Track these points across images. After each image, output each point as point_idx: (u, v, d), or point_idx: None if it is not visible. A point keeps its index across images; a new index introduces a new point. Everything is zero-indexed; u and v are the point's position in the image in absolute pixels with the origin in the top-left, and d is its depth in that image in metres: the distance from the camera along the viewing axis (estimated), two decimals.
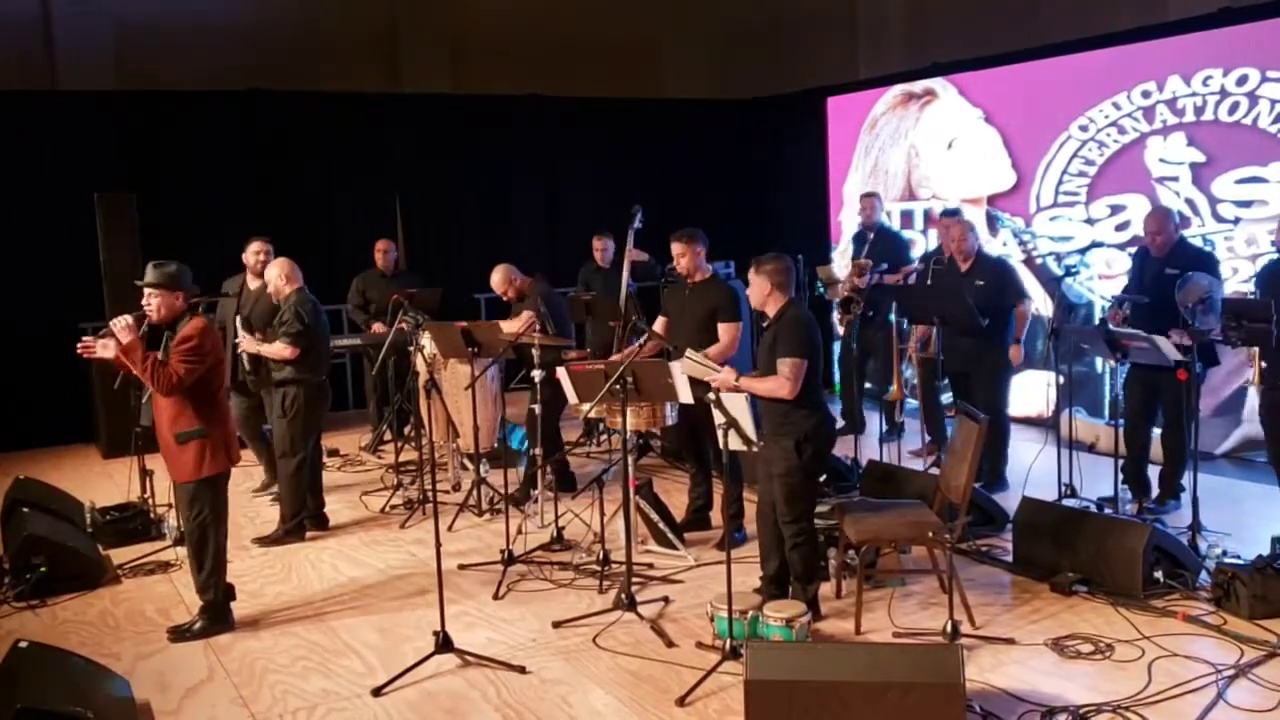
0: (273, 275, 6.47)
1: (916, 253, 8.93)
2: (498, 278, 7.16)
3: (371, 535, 6.65)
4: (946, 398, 8.17)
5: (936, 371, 7.15)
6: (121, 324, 4.84)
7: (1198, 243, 7.68)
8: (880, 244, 8.38)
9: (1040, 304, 8.43)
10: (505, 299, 7.21)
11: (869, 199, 8.68)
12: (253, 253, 7.17)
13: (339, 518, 6.93)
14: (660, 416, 5.87)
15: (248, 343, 6.50)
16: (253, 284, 7.14)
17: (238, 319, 6.73)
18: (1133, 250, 7.16)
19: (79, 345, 4.99)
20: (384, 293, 8.65)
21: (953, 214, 8.02)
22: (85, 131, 9.59)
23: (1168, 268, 6.15)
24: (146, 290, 4.98)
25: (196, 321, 4.96)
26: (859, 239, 8.60)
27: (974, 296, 6.80)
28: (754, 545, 5.36)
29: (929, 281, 7.51)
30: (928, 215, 9.75)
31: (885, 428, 7.79)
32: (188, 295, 5.05)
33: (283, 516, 6.53)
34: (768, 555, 5.11)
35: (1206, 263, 6.34)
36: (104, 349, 4.84)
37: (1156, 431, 6.53)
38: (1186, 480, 6.41)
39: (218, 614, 5.15)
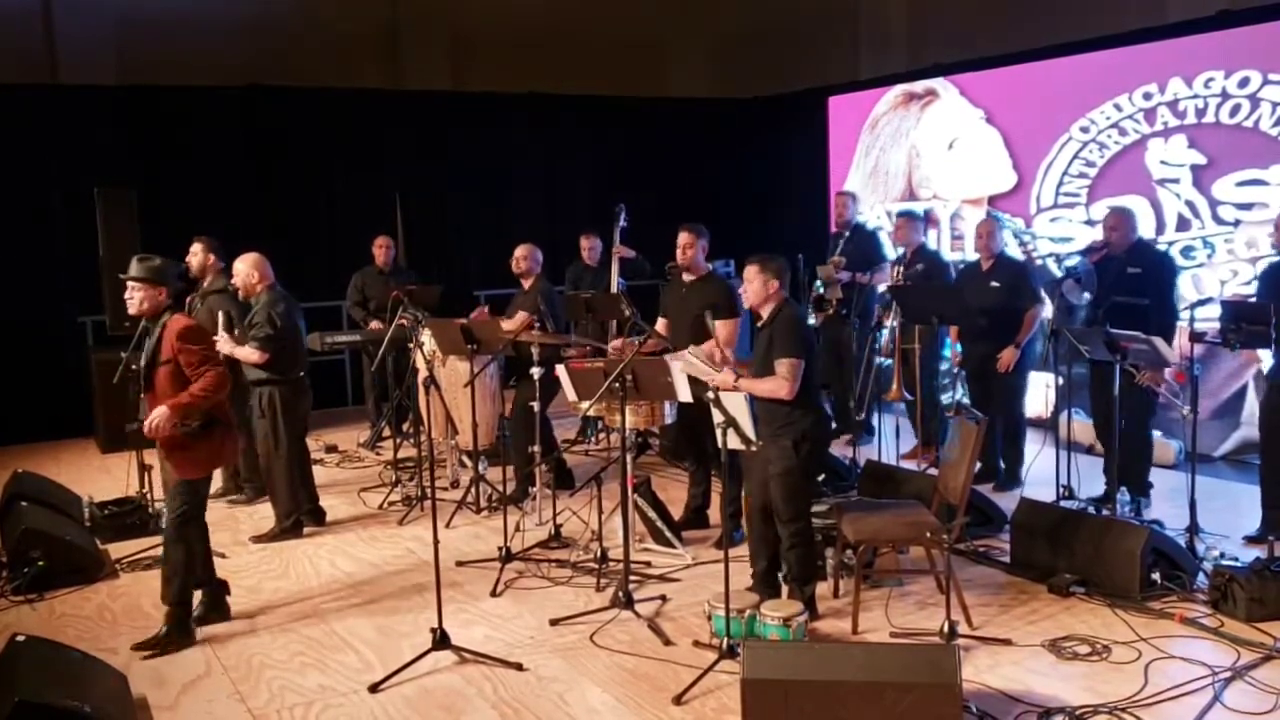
0: (241, 271, 6.39)
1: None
2: (522, 251, 7.18)
3: (370, 532, 6.65)
4: (943, 398, 8.19)
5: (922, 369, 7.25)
6: (157, 421, 4.75)
7: (1198, 245, 7.71)
8: (853, 243, 8.31)
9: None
10: (516, 271, 7.22)
11: (842, 197, 8.61)
12: (190, 253, 7.07)
13: (337, 514, 6.94)
14: (659, 415, 5.87)
15: (223, 344, 6.44)
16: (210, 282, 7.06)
17: (220, 315, 6.64)
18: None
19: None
20: (382, 290, 8.65)
21: (908, 215, 8.05)
22: (86, 126, 9.60)
23: (1129, 267, 6.24)
24: (130, 284, 4.93)
25: (180, 318, 4.94)
26: (835, 238, 8.52)
27: (988, 298, 6.84)
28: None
29: (905, 284, 7.54)
30: (928, 215, 9.75)
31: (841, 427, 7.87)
32: (171, 290, 5.01)
33: (277, 515, 6.52)
34: (757, 554, 5.13)
35: (1166, 263, 6.49)
36: (161, 422, 4.78)
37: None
38: (1176, 478, 6.44)
39: (182, 621, 5.00)
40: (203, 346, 4.88)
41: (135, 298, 4.92)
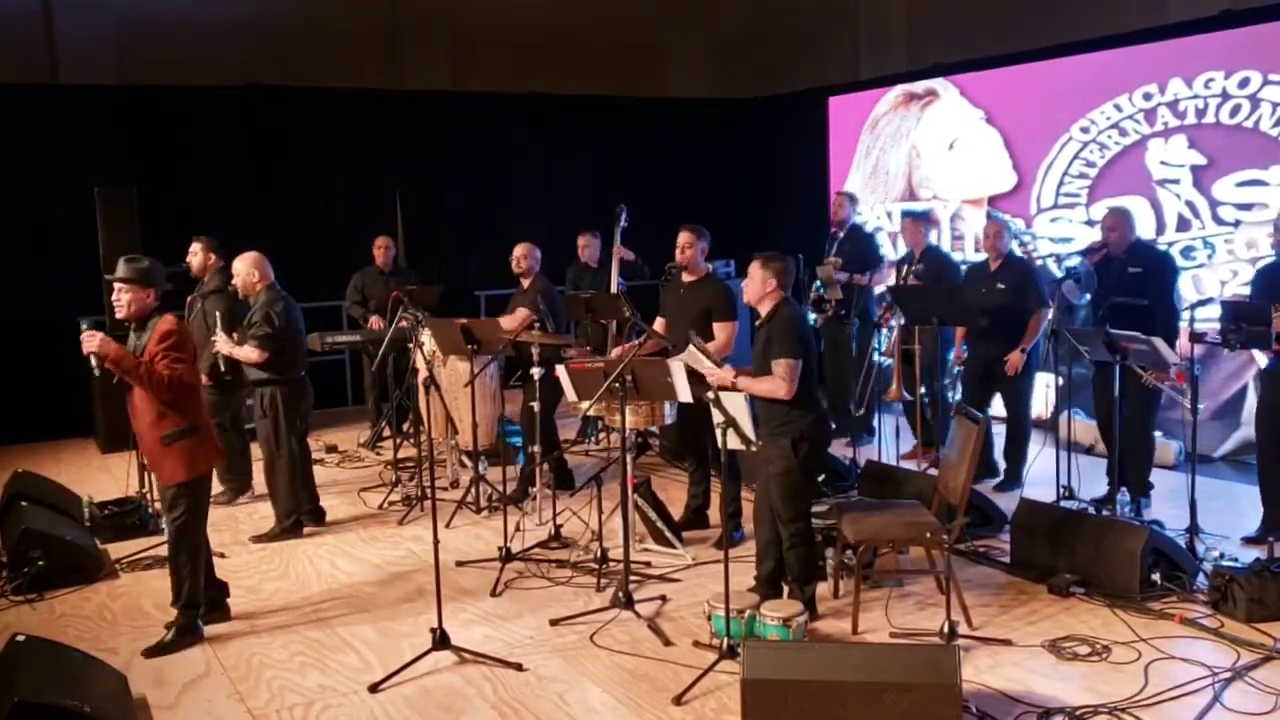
0: (240, 270, 6.38)
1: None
2: (521, 250, 7.21)
3: (370, 532, 6.65)
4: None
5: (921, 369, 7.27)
6: (95, 342, 4.66)
7: (1198, 245, 7.72)
8: (849, 243, 8.29)
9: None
10: (516, 270, 7.24)
11: (840, 197, 8.57)
12: (190, 253, 7.11)
13: (337, 514, 6.94)
14: (659, 415, 5.88)
15: (222, 344, 6.44)
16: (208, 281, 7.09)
17: (218, 316, 6.65)
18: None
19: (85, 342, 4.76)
20: (382, 289, 8.67)
21: (918, 215, 8.05)
22: (86, 126, 9.60)
23: (1130, 267, 6.25)
24: (117, 286, 4.82)
25: (169, 318, 4.84)
26: (831, 238, 8.46)
27: (994, 299, 6.84)
28: (752, 545, 5.37)
29: (909, 283, 7.54)
30: (928, 215, 9.74)
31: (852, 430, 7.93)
32: (159, 292, 4.90)
33: (277, 515, 6.52)
34: (763, 555, 5.13)
35: (1166, 263, 6.50)
36: (91, 343, 4.68)
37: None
38: (1176, 479, 6.45)
39: (190, 623, 5.01)
40: (177, 353, 4.73)
41: (123, 300, 4.82)
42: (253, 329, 6.26)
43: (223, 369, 6.56)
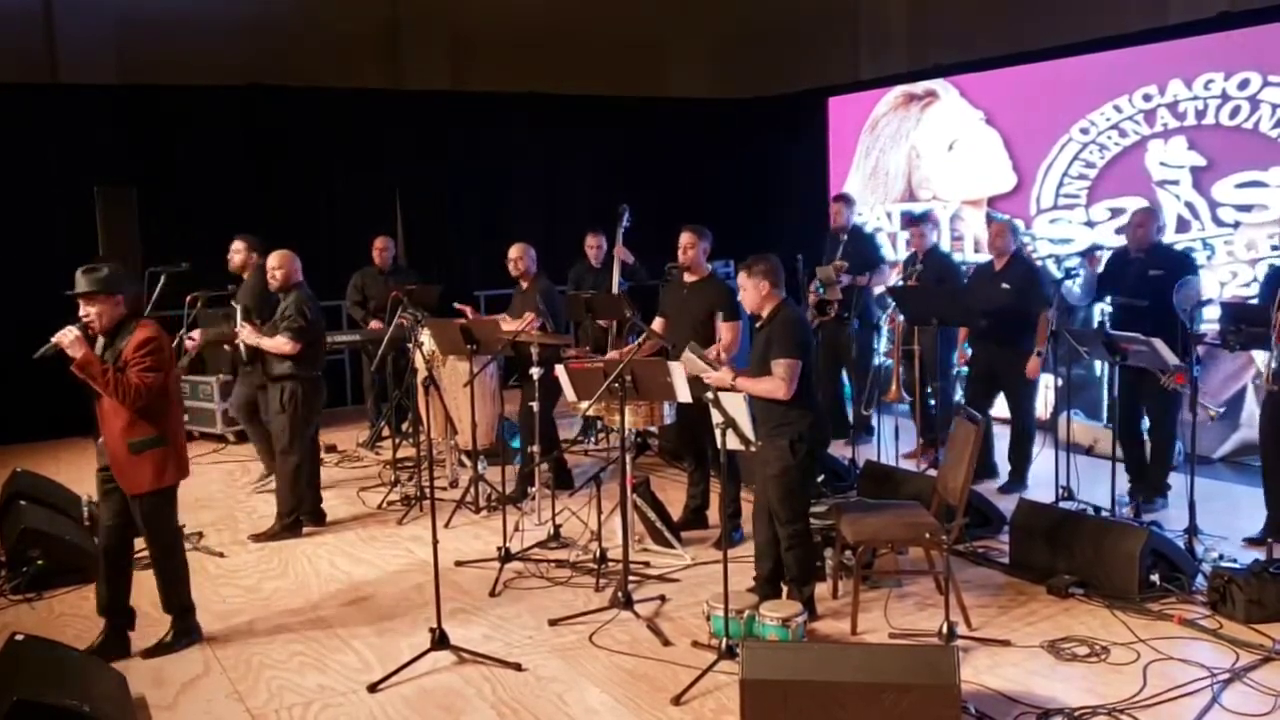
0: (273, 265, 6.42)
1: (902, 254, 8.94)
2: (516, 251, 7.24)
3: (369, 531, 6.65)
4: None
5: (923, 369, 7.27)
6: (69, 337, 4.55)
7: (1197, 246, 7.72)
8: (853, 246, 8.25)
9: None
10: (514, 273, 7.27)
11: (837, 203, 8.52)
12: (232, 251, 7.24)
13: (336, 513, 6.94)
14: (658, 415, 5.88)
15: (247, 334, 6.47)
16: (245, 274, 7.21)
17: (238, 309, 6.71)
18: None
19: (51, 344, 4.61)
20: (382, 289, 8.68)
21: (921, 219, 8.06)
22: (86, 125, 9.60)
23: (1150, 269, 6.24)
24: (82, 301, 4.59)
25: (150, 325, 4.69)
26: (832, 242, 8.39)
27: (999, 298, 6.84)
28: (751, 545, 5.36)
29: (912, 284, 7.54)
30: (930, 216, 9.73)
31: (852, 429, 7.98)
32: (128, 298, 4.73)
33: (279, 513, 6.52)
34: (762, 555, 5.12)
35: (1188, 264, 6.49)
36: (65, 337, 4.53)
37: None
38: (1175, 480, 6.46)
39: (187, 625, 5.01)
40: (152, 360, 4.61)
41: (91, 312, 4.60)
42: (286, 321, 6.27)
43: (245, 359, 6.59)
